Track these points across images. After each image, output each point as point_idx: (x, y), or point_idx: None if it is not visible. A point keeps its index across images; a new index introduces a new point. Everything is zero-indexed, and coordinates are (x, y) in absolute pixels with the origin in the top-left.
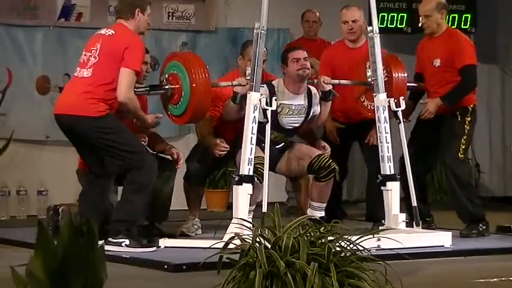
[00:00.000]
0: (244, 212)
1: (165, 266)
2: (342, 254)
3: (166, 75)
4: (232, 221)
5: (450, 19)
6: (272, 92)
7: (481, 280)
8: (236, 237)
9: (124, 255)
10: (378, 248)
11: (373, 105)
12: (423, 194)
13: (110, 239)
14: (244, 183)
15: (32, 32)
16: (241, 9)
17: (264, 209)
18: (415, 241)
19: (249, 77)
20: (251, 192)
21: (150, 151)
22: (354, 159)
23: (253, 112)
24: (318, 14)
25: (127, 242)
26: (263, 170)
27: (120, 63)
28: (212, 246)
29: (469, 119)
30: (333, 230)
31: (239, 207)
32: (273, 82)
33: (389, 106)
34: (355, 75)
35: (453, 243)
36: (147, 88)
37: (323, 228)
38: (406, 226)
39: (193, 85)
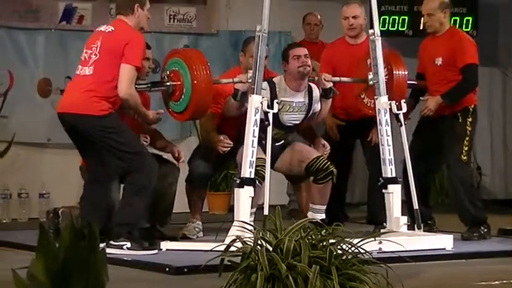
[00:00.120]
0: (245, 214)
1: (167, 269)
2: (344, 257)
3: (168, 72)
4: (233, 224)
5: (451, 22)
6: (273, 89)
7: (483, 283)
8: (238, 240)
9: (125, 258)
10: (379, 251)
11: (373, 103)
12: (425, 196)
13: (112, 242)
14: (245, 186)
15: (33, 35)
16: (243, 12)
17: (266, 212)
18: (416, 244)
19: (250, 80)
20: (252, 195)
21: (152, 151)
22: (356, 162)
23: (255, 115)
24: (319, 17)
25: (128, 244)
26: (264, 172)
27: (121, 60)
28: (214, 249)
29: (470, 119)
30: (335, 233)
31: (240, 210)
32: (274, 79)
33: (390, 109)
34: (356, 72)
35: (455, 246)
36: (148, 85)
37: (324, 231)
38: (408, 229)
39: (195, 82)
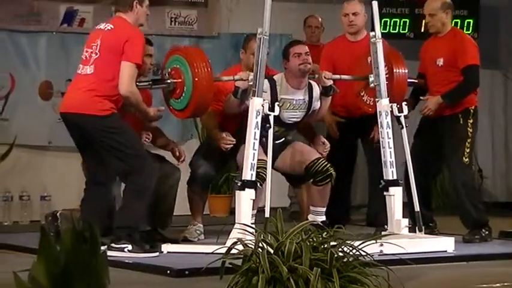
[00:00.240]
0: (247, 217)
1: (168, 271)
2: (345, 259)
3: (169, 70)
4: (234, 226)
5: (452, 24)
6: (273, 87)
7: (484, 285)
8: (239, 243)
9: (127, 261)
10: (380, 253)
11: (373, 101)
12: (427, 199)
13: (113, 245)
14: (246, 189)
15: (34, 38)
16: (244, 14)
17: (267, 214)
18: (417, 246)
19: (251, 80)
20: (254, 198)
21: (153, 152)
22: (357, 164)
23: (256, 118)
24: (320, 19)
25: (129, 247)
26: (265, 174)
27: (121, 57)
28: (215, 252)
29: (471, 121)
30: (336, 235)
31: (242, 212)
32: (274, 77)
33: (391, 111)
34: (356, 69)
35: (456, 248)
36: (150, 82)
37: (326, 233)
38: (409, 231)
39: (196, 79)
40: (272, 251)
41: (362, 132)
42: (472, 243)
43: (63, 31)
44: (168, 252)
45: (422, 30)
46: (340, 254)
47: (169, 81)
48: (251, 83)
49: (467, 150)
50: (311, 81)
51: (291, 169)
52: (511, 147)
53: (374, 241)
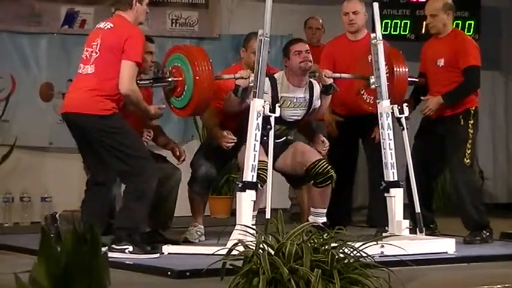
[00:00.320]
0: (247, 218)
1: (169, 273)
2: (346, 261)
3: (170, 68)
4: (235, 228)
5: (454, 26)
6: (274, 85)
7: (485, 287)
8: (239, 244)
9: (127, 262)
10: (381, 255)
11: (373, 99)
12: (428, 200)
13: (114, 246)
14: (247, 190)
15: (35, 39)
16: (245, 16)
17: (268, 216)
18: (418, 248)
19: (251, 79)
20: (254, 199)
21: (155, 152)
22: (358, 166)
23: (257, 119)
24: (321, 21)
25: (130, 248)
26: (266, 175)
27: (122, 56)
28: (215, 253)
29: (471, 121)
30: (337, 237)
31: (242, 213)
32: (275, 75)
33: (392, 113)
34: (356, 68)
35: (457, 249)
36: (151, 80)
37: (326, 234)
38: (410, 233)
39: (197, 77)
40: (273, 252)
41: (362, 132)
42: (473, 244)
43: (64, 32)
44: (168, 253)
45: (423, 32)
46: (341, 255)
47: (170, 79)
48: (252, 84)
49: (468, 151)
50: (312, 80)
51: (292, 169)
52: None
53: (375, 242)
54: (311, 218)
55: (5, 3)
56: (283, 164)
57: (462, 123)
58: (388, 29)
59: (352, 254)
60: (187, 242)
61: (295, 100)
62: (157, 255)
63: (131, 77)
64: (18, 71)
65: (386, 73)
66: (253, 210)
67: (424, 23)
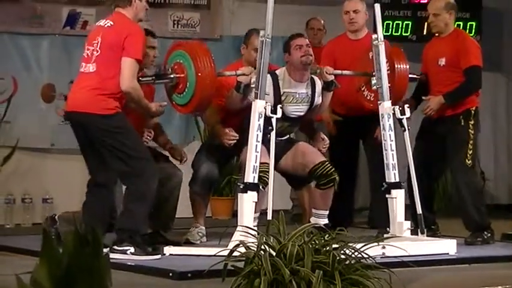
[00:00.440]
0: (249, 219)
1: (170, 274)
2: (347, 262)
3: (172, 64)
4: (237, 229)
5: (455, 26)
6: (275, 81)
7: None
8: (241, 245)
9: (129, 263)
10: (382, 256)
11: (374, 96)
12: (429, 201)
13: (115, 247)
14: (249, 191)
15: (37, 40)
16: (246, 17)
17: (269, 217)
18: (419, 249)
19: (254, 84)
20: (256, 200)
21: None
22: (359, 167)
23: (258, 120)
24: (322, 22)
25: (132, 249)
26: (267, 177)
27: (122, 53)
28: (217, 254)
29: (472, 122)
30: (338, 238)
31: (244, 214)
32: (276, 71)
33: (394, 114)
34: (357, 67)
35: (458, 251)
36: (152, 77)
37: (328, 235)
38: (411, 234)
39: (199, 74)
40: (274, 254)
41: (362, 133)
42: (474, 245)
43: (65, 34)
44: (170, 254)
45: (425, 33)
46: (342, 256)
47: (172, 76)
48: (253, 81)
49: (470, 152)
50: (313, 76)
51: (294, 170)
52: None
53: (376, 243)
54: (313, 220)
55: (6, 5)
56: (285, 164)
57: (462, 124)
58: (390, 30)
59: (353, 255)
60: (188, 243)
61: (297, 95)
62: (159, 256)
63: (132, 74)
64: (19, 72)
65: (388, 70)
66: (255, 212)
67: (426, 23)
